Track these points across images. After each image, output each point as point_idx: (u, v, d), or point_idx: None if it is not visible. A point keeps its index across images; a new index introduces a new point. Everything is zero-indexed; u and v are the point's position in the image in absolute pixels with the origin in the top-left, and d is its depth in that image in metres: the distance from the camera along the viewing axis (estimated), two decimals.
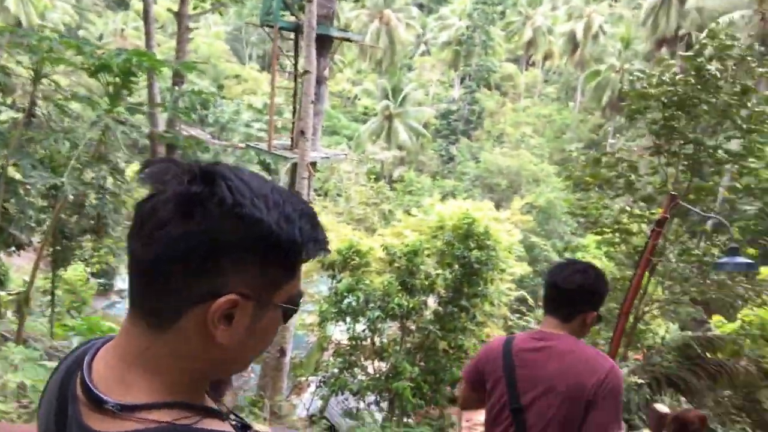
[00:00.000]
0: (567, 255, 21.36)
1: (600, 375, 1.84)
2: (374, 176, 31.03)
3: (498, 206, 30.75)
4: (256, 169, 14.40)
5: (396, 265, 10.93)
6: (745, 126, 9.55)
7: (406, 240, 12.96)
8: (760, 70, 9.98)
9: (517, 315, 16.01)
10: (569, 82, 48.93)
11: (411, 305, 10.42)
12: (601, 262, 12.42)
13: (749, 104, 9.56)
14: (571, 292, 1.95)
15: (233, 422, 0.85)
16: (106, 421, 0.74)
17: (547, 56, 50.11)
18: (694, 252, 9.94)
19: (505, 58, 50.13)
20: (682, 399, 8.29)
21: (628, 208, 10.57)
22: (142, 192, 0.78)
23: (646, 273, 10.14)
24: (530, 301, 27.37)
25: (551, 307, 2.03)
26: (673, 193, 5.07)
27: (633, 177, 10.23)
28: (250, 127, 26.92)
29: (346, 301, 11.17)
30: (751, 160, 9.79)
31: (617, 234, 10.60)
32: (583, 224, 13.08)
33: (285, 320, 0.80)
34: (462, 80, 47.92)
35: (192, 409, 0.76)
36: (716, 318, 10.62)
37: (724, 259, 4.34)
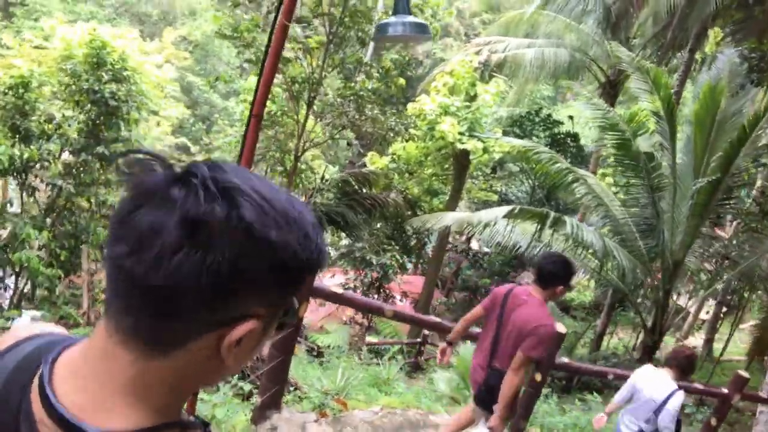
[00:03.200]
0: (232, 99, 20.06)
1: (535, 326, 3.43)
2: None
3: (149, 40, 26.77)
4: None
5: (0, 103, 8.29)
6: None
7: (17, 72, 9.76)
8: None
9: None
10: None
11: (28, 156, 8.36)
12: None
13: None
14: (548, 274, 3.56)
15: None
16: None
17: None
18: (352, 85, 9.81)
19: None
20: (342, 234, 8.45)
21: None
22: None
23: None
24: (192, 148, 25.58)
25: (537, 279, 3.60)
26: None
27: None
28: None
29: None
30: None
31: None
32: (243, 61, 11.82)
33: (278, 330, 0.76)
34: None
35: (175, 428, 0.71)
36: (370, 154, 11.04)
37: (392, 19, 3.18)
